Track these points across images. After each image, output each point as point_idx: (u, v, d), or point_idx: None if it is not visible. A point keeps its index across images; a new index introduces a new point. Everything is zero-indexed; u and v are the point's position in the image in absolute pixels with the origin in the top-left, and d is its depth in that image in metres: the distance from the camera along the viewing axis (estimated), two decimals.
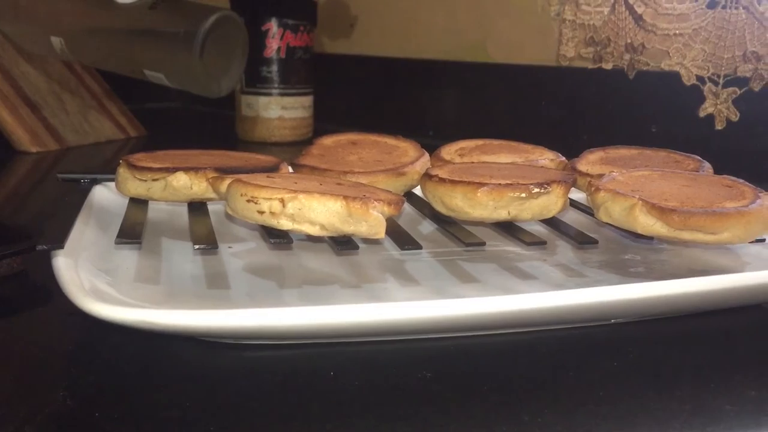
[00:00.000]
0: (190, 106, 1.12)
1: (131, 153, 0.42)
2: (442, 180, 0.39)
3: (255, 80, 0.83)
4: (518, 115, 0.80)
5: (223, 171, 0.38)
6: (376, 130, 0.51)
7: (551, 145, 0.51)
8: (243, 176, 0.35)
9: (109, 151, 0.79)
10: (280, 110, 0.84)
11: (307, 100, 0.86)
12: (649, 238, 0.37)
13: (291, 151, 0.80)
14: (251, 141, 0.85)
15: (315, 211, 0.33)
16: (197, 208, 0.40)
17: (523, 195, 0.37)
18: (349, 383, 0.27)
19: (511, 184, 0.37)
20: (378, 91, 0.93)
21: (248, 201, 0.33)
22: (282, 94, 0.84)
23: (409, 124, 0.87)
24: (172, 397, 0.26)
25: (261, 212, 0.33)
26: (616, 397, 0.27)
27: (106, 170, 0.45)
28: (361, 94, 0.95)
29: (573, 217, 0.44)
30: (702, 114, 0.66)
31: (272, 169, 0.41)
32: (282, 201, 0.32)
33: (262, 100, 0.83)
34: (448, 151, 0.49)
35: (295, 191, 0.33)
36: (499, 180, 0.38)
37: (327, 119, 0.90)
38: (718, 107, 0.65)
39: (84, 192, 0.43)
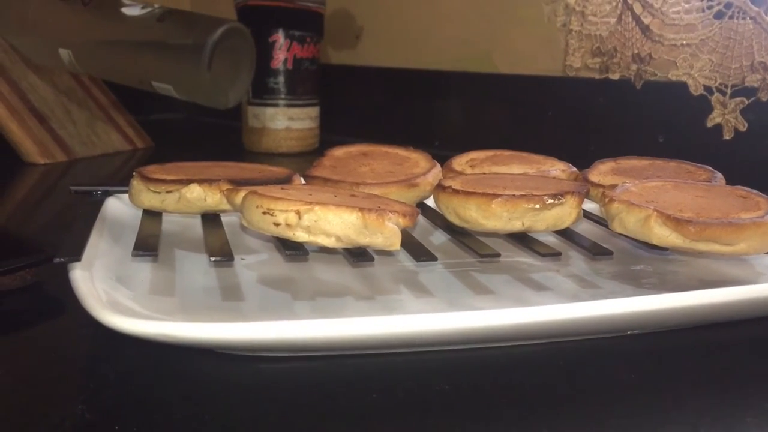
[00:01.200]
0: (196, 118, 1.12)
1: (139, 164, 0.42)
2: (456, 191, 0.39)
3: (262, 91, 0.83)
4: (525, 126, 0.80)
5: (237, 183, 0.38)
6: (382, 141, 0.51)
7: (558, 156, 0.51)
8: (258, 188, 0.35)
9: (117, 162, 0.79)
10: (287, 121, 0.84)
11: (314, 111, 0.86)
12: (663, 249, 0.37)
13: (298, 162, 0.80)
14: (258, 152, 0.85)
15: (331, 223, 0.33)
16: (211, 219, 0.40)
17: (538, 206, 0.37)
18: (367, 395, 0.27)
19: (525, 195, 0.37)
20: (384, 102, 0.94)
21: (264, 213, 0.33)
22: (289, 105, 0.84)
23: (415, 135, 0.87)
24: (191, 410, 0.26)
25: (277, 224, 0.33)
26: (636, 409, 0.27)
27: (116, 182, 0.45)
28: (367, 105, 0.95)
29: (585, 228, 0.44)
30: (710, 124, 0.66)
31: (285, 181, 0.41)
32: (298, 213, 0.32)
33: (269, 111, 0.83)
34: (459, 162, 0.49)
35: (310, 203, 0.33)
36: (513, 191, 0.38)
37: (333, 130, 0.90)
38: (726, 117, 0.65)
39: (95, 204, 0.43)
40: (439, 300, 0.35)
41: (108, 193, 0.45)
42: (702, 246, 0.34)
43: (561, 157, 0.50)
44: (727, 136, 0.65)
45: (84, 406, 0.26)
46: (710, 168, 0.46)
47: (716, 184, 0.41)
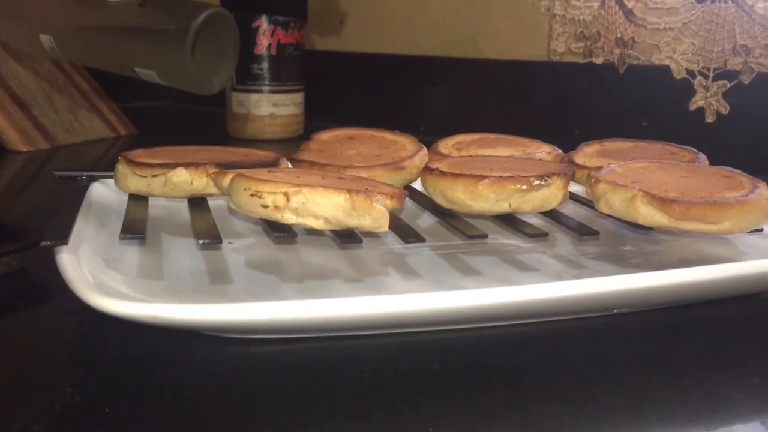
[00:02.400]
0: (179, 104, 1.12)
1: (123, 151, 0.42)
2: (443, 173, 0.39)
3: (246, 77, 0.83)
4: (509, 111, 0.80)
5: (224, 166, 0.38)
6: (367, 126, 0.51)
7: (543, 140, 0.51)
8: (246, 171, 0.35)
9: (100, 149, 0.78)
10: (271, 107, 0.83)
11: (298, 97, 0.86)
12: (649, 229, 0.37)
13: (282, 149, 0.80)
14: (242, 138, 0.84)
15: (319, 204, 0.33)
16: (198, 203, 0.40)
17: (525, 187, 0.37)
18: (358, 376, 0.27)
19: (512, 177, 0.38)
20: (369, 88, 0.93)
21: (252, 195, 0.33)
22: (273, 91, 0.83)
23: (399, 120, 0.87)
24: (182, 392, 0.26)
25: (265, 206, 0.33)
26: (622, 386, 0.27)
27: (101, 167, 0.45)
28: (351, 91, 0.95)
29: (571, 209, 0.44)
30: (692, 107, 0.66)
31: (272, 164, 0.41)
32: (286, 195, 0.32)
33: (253, 97, 0.83)
34: (446, 145, 0.49)
35: (298, 185, 0.33)
36: (500, 173, 0.38)
37: (318, 116, 0.90)
38: (709, 100, 0.65)
39: (80, 189, 0.43)
40: (427, 281, 0.35)
41: (93, 178, 0.44)
42: (687, 225, 0.34)
43: (546, 141, 0.51)
44: (709, 119, 0.66)
45: (73, 389, 0.26)
46: (694, 149, 0.46)
47: (700, 165, 0.42)
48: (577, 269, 0.37)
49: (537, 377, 0.28)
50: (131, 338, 0.29)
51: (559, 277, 0.36)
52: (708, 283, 0.32)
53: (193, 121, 1.04)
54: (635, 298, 0.31)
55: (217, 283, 0.34)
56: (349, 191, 0.33)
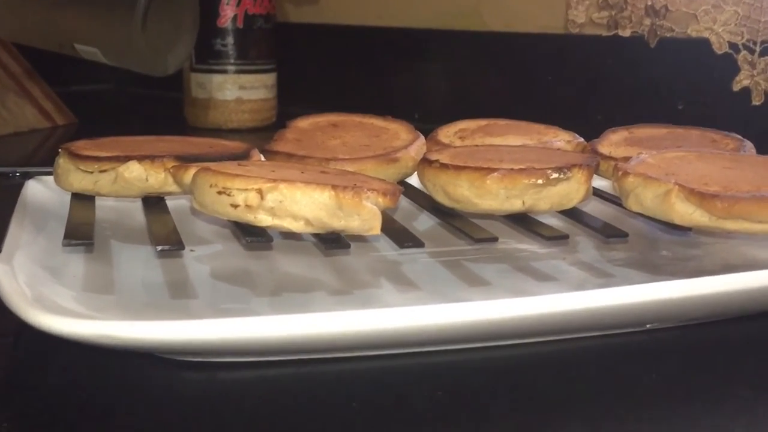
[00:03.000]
0: (127, 89, 1.11)
1: (61, 143, 0.42)
2: (445, 166, 0.39)
3: (207, 55, 0.83)
4: (520, 93, 0.80)
5: (185, 159, 0.38)
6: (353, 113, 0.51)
7: (561, 127, 0.51)
8: (211, 164, 0.35)
9: (33, 141, 0.78)
10: (237, 90, 0.84)
11: (270, 78, 0.86)
12: (686, 230, 0.37)
13: (252, 140, 0.79)
14: (203, 128, 0.84)
15: (299, 203, 0.33)
16: (154, 203, 0.40)
17: (540, 181, 0.38)
18: (346, 406, 0.27)
19: (525, 170, 0.38)
20: (353, 68, 0.94)
21: (219, 193, 0.33)
22: (239, 72, 0.83)
23: (390, 106, 0.87)
24: (136, 427, 0.26)
25: (235, 206, 0.33)
26: (659, 413, 0.27)
27: (36, 162, 0.45)
28: (332, 72, 0.95)
29: (595, 208, 0.45)
30: (736, 87, 0.67)
31: (242, 157, 0.41)
32: (260, 192, 0.33)
33: (216, 78, 0.83)
34: (447, 133, 0.50)
35: (274, 180, 0.33)
36: (511, 165, 0.38)
37: (293, 101, 0.90)
38: (755, 79, 0.66)
39: (12, 188, 0.43)
40: (426, 293, 0.35)
41: (28, 175, 0.44)
42: (731, 224, 0.35)
43: (564, 128, 0.51)
44: (756, 101, 0.66)
45: (8, 424, 0.26)
46: (738, 136, 0.47)
47: (746, 154, 0.42)
48: (602, 278, 0.38)
49: (557, 404, 0.28)
50: (76, 363, 0.29)
51: (582, 286, 0.36)
52: (756, 293, 0.32)
53: (145, 109, 1.04)
54: (672, 310, 0.32)
55: (178, 297, 0.34)
56: (334, 187, 0.33)
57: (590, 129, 0.52)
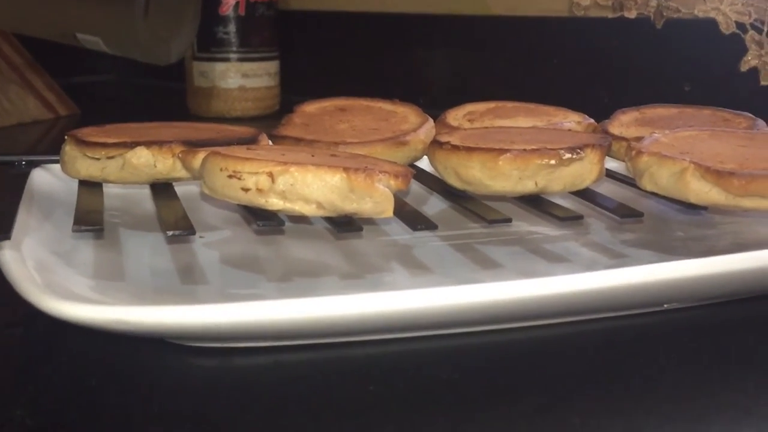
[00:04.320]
0: (130, 79, 1.11)
1: (63, 135, 0.41)
2: (456, 147, 0.39)
3: (209, 43, 0.82)
4: (525, 77, 0.80)
5: (193, 144, 0.38)
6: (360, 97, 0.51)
7: (572, 107, 0.51)
8: (220, 149, 0.35)
9: (36, 132, 0.78)
10: (240, 79, 0.83)
11: (273, 66, 0.86)
12: (701, 209, 0.37)
13: (256, 128, 0.80)
14: (206, 117, 0.84)
15: (310, 186, 0.33)
16: (162, 189, 0.40)
17: (553, 162, 0.37)
18: (363, 389, 0.27)
19: (538, 150, 0.38)
20: (357, 55, 0.93)
21: (230, 177, 0.33)
22: (242, 60, 0.83)
23: (395, 92, 0.87)
24: (151, 414, 0.26)
25: (246, 189, 0.33)
26: (679, 393, 0.27)
27: (41, 151, 0.45)
28: (336, 59, 0.95)
29: (608, 189, 0.44)
30: (744, 68, 0.66)
31: (250, 142, 0.41)
32: (271, 175, 0.32)
33: (219, 67, 0.83)
34: (455, 115, 0.50)
35: (285, 163, 0.33)
36: (523, 145, 0.38)
37: (297, 89, 0.89)
38: (763, 59, 0.65)
39: (18, 177, 0.43)
40: (438, 276, 0.35)
41: (34, 164, 0.44)
42: (747, 202, 0.35)
43: (574, 108, 0.51)
44: (764, 82, 0.66)
45: (23, 411, 0.26)
46: (750, 115, 0.46)
47: (760, 132, 0.42)
48: (616, 259, 0.38)
49: (577, 385, 0.28)
50: (89, 350, 0.29)
51: (594, 267, 0.36)
52: None
53: (147, 99, 1.04)
54: (689, 289, 0.31)
55: (188, 283, 0.34)
56: (346, 170, 0.33)
57: (597, 112, 0.51)
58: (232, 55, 0.83)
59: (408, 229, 0.36)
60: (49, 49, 0.75)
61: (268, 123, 0.77)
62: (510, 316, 0.30)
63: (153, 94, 1.04)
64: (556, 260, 0.37)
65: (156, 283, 0.34)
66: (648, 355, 0.30)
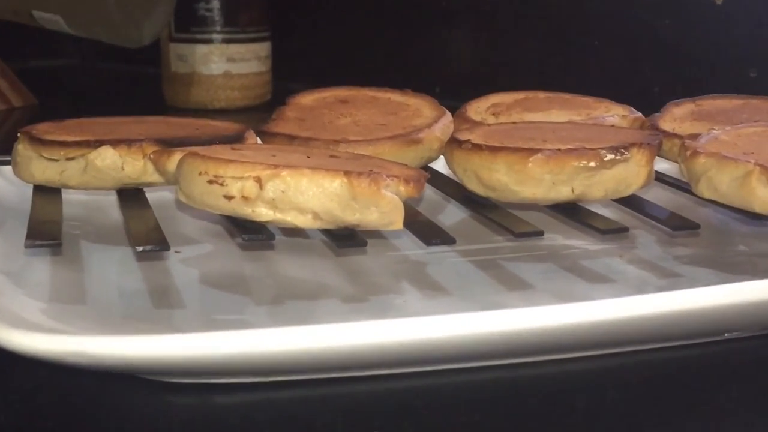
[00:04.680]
0: (94, 64, 1.12)
1: (21, 127, 0.41)
2: (478, 147, 0.39)
3: (189, 22, 0.83)
4: (560, 61, 0.80)
5: (168, 143, 0.38)
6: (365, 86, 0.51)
7: (616, 99, 0.51)
8: (200, 149, 0.35)
9: None
10: (225, 63, 0.83)
11: (263, 49, 0.86)
12: None
13: (244, 121, 0.80)
14: (186, 108, 0.84)
15: (305, 193, 0.33)
16: (132, 196, 0.40)
17: (593, 164, 0.37)
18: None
19: (574, 150, 0.38)
20: (361, 35, 0.93)
21: (210, 182, 0.33)
22: (227, 41, 0.83)
23: (407, 80, 0.87)
24: None
25: (229, 197, 0.33)
26: None
27: None
28: (337, 41, 0.95)
29: (658, 195, 0.44)
30: None
31: (235, 140, 0.41)
32: (258, 180, 0.32)
33: (200, 49, 0.83)
34: (477, 108, 0.49)
35: (276, 166, 0.33)
36: (558, 144, 0.38)
37: (291, 76, 0.89)
38: None
39: None
40: (457, 299, 0.35)
41: None
42: None
43: (618, 100, 0.51)
44: None
45: None
46: None
47: None
48: (668, 278, 0.37)
49: (624, 427, 0.28)
50: (44, 387, 0.29)
51: (643, 289, 0.36)
52: None
53: (116, 87, 1.04)
54: (755, 315, 0.31)
55: (162, 307, 0.34)
56: (348, 174, 0.33)
57: (646, 102, 0.51)
58: (215, 36, 0.83)
59: (421, 243, 0.36)
60: (0, 29, 0.75)
61: (257, 116, 0.78)
62: (541, 348, 0.30)
63: (122, 83, 1.05)
64: (597, 280, 0.37)
65: (124, 308, 0.34)
66: (705, 394, 0.30)
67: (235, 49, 0.84)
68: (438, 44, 0.88)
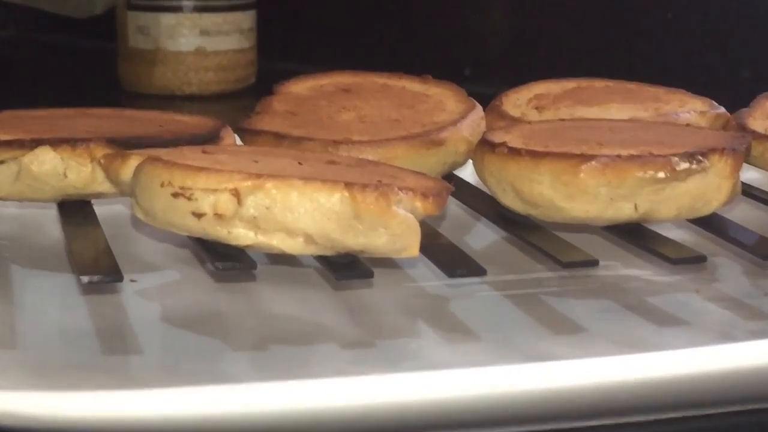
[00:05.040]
0: (33, 35, 1.12)
1: None
2: (516, 152, 0.39)
3: None
4: (623, 39, 0.80)
5: (123, 143, 0.38)
6: (373, 70, 0.51)
7: (689, 89, 0.51)
8: (162, 152, 0.35)
9: None
10: (197, 37, 0.84)
11: (246, 19, 0.86)
12: None
13: (221, 112, 0.80)
14: (147, 94, 0.85)
15: (295, 210, 0.33)
16: (77, 211, 0.40)
17: (662, 174, 0.37)
18: None
19: (638, 157, 0.38)
20: (370, 3, 0.94)
21: (175, 195, 0.33)
22: (200, 9, 0.84)
23: (429, 61, 0.87)
24: None
25: (198, 215, 0.33)
26: None
27: None
28: (338, 10, 0.95)
29: (745, 214, 0.44)
30: None
31: (208, 139, 0.41)
32: (236, 193, 0.32)
33: (166, 19, 0.83)
34: (516, 101, 0.50)
35: (258, 176, 0.33)
36: (617, 149, 0.38)
37: (281, 54, 0.90)
38: None
39: None
40: (488, 346, 0.35)
41: None
42: None
43: (695, 91, 0.51)
44: None
45: None
46: None
47: None
48: (758, 320, 0.37)
49: None
50: None
51: (728, 334, 0.36)
52: None
53: (59, 67, 1.04)
54: None
55: (114, 352, 0.34)
56: (349, 186, 0.33)
57: (732, 93, 0.51)
58: (185, 3, 0.83)
59: (443, 274, 0.36)
60: None
61: (238, 106, 0.78)
62: (597, 411, 0.30)
63: (67, 60, 1.05)
64: (668, 322, 0.37)
65: (65, 354, 0.34)
66: None
67: (210, 19, 0.84)
68: (466, 16, 0.88)
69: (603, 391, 0.29)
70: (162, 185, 0.33)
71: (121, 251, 0.37)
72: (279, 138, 0.43)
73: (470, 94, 0.48)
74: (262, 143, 0.43)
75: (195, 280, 0.40)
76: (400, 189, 0.33)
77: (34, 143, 0.39)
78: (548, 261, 0.38)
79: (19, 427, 0.27)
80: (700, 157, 0.38)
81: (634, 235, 0.39)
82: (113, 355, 0.34)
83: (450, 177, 0.45)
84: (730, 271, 0.42)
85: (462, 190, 0.44)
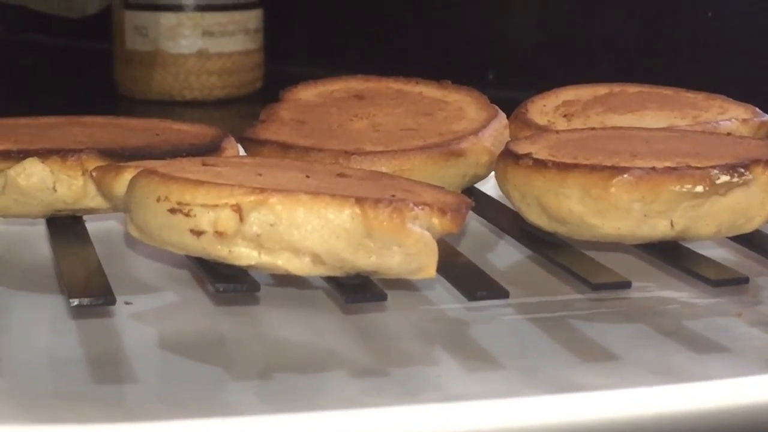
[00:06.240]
0: (20, 37, 1.13)
1: None
2: (542, 163, 0.39)
3: None
4: (658, 41, 0.80)
5: (117, 155, 0.38)
6: (387, 74, 0.51)
7: (731, 94, 0.51)
8: (158, 164, 0.35)
9: None
10: (200, 38, 0.84)
11: (252, 19, 0.86)
12: None
13: (224, 119, 0.80)
14: (145, 99, 0.85)
15: (302, 228, 0.33)
16: (67, 227, 0.40)
17: (700, 188, 0.37)
18: None
19: (674, 169, 0.37)
20: (383, 4, 0.94)
21: (173, 211, 0.33)
22: (203, 8, 0.84)
23: (445, 64, 0.87)
24: None
25: (198, 232, 0.33)
26: None
27: None
28: (351, 10, 0.95)
29: None
30: None
31: (210, 150, 0.41)
32: (238, 209, 0.32)
33: (166, 19, 0.84)
34: (543, 108, 0.50)
35: (262, 191, 0.33)
36: (652, 161, 0.38)
37: (289, 57, 0.90)
38: None
39: None
40: (512, 374, 0.35)
41: None
42: None
43: (737, 97, 0.50)
44: None
45: None
46: None
47: None
48: None
49: None
50: None
51: None
52: None
53: (51, 70, 1.05)
54: None
55: (107, 381, 0.34)
56: (361, 201, 0.33)
57: None
58: (186, 1, 0.84)
59: (462, 296, 0.36)
60: None
61: (244, 112, 0.78)
62: None
63: (59, 64, 1.05)
64: (707, 349, 0.37)
65: (54, 383, 0.34)
66: None
67: (213, 19, 0.84)
68: (491, 14, 0.88)
69: (637, 424, 0.29)
70: (158, 200, 0.33)
71: (115, 271, 0.37)
72: (285, 148, 0.43)
73: (493, 100, 0.48)
74: (267, 154, 0.43)
75: (194, 303, 0.40)
76: (416, 204, 0.33)
77: (21, 154, 0.39)
78: (577, 282, 0.38)
79: None
80: (742, 170, 0.38)
81: (670, 255, 0.39)
82: (106, 384, 0.34)
83: (470, 191, 0.45)
84: None
85: (483, 205, 0.44)
